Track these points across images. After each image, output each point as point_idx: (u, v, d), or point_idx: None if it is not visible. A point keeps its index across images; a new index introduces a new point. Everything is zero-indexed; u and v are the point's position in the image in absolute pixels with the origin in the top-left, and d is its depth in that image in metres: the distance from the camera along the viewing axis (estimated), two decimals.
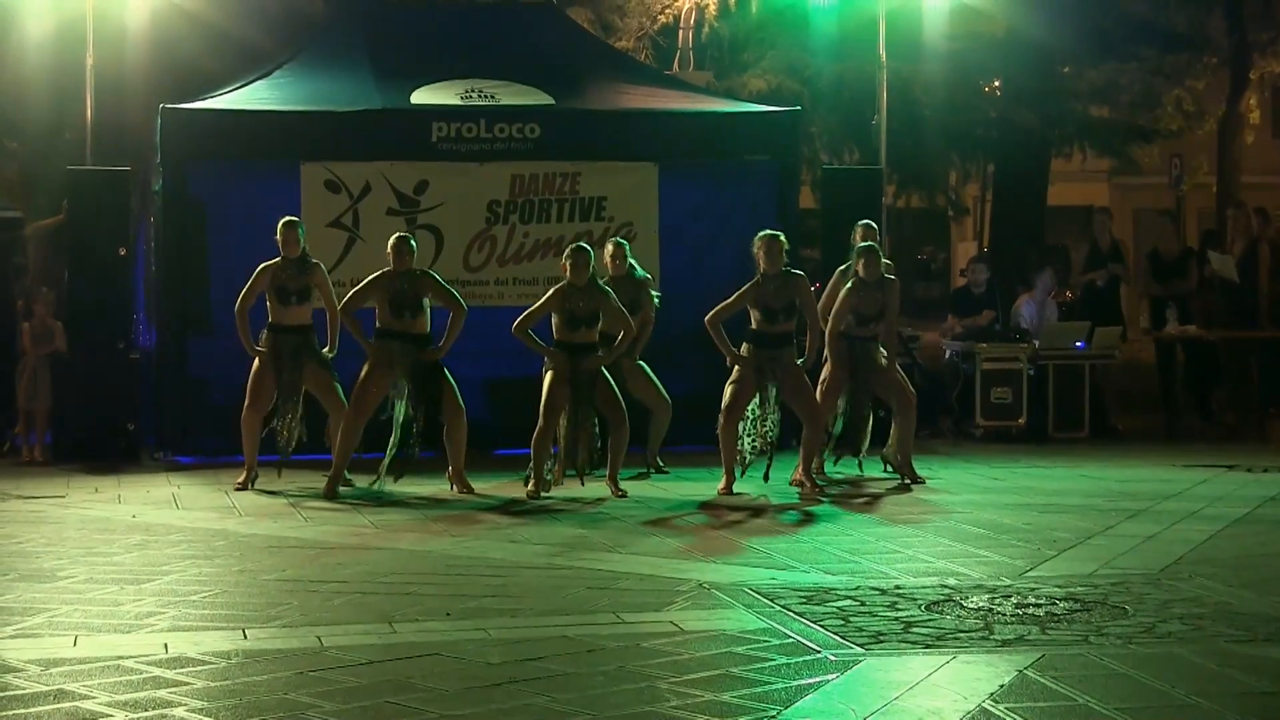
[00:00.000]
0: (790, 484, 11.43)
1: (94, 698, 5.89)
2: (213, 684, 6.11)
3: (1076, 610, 7.35)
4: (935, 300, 31.56)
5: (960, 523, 9.97)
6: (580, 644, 6.73)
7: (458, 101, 13.69)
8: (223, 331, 12.43)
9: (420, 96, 13.73)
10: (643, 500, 11.00)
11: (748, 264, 11.44)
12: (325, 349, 11.55)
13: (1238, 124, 25.08)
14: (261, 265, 11.52)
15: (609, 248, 11.87)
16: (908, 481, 11.67)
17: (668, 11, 19.57)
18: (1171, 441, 14.78)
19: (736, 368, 11.26)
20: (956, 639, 6.81)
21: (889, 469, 11.92)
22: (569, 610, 7.46)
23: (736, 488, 11.24)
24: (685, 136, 14.00)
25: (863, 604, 7.50)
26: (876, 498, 11.22)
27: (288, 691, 6.00)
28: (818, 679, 6.19)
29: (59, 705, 5.81)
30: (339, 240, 13.31)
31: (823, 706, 5.84)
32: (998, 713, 5.71)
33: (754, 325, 11.23)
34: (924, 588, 7.87)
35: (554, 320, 11.12)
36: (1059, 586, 7.89)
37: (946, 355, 15.62)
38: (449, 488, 11.32)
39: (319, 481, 11.35)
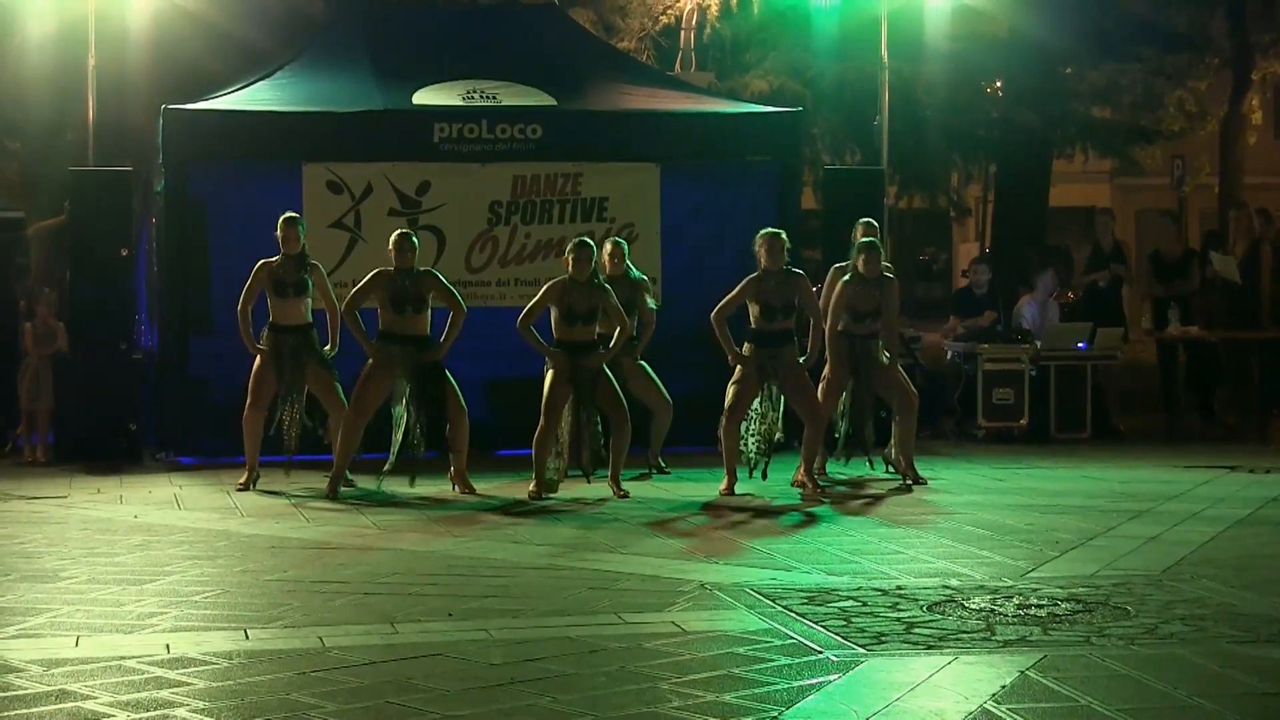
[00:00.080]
0: (792, 484, 11.43)
1: (96, 698, 5.89)
2: (214, 684, 6.12)
3: (1078, 611, 7.35)
4: (937, 301, 31.54)
5: (962, 523, 9.97)
6: (582, 644, 6.74)
7: (459, 102, 13.69)
8: (224, 332, 12.43)
9: (422, 97, 13.74)
10: (644, 501, 11.00)
11: (749, 264, 11.44)
12: (326, 347, 11.57)
13: (1240, 125, 25.09)
14: (260, 262, 11.53)
15: (607, 246, 11.88)
16: (909, 482, 11.67)
17: (669, 12, 19.56)
18: (1173, 442, 14.78)
19: (738, 367, 11.26)
20: (958, 640, 6.80)
21: (890, 470, 11.92)
22: (571, 611, 7.46)
23: (739, 488, 11.24)
24: (687, 137, 14.00)
25: (864, 605, 7.50)
26: (878, 498, 11.22)
27: (290, 692, 6.00)
28: (819, 680, 6.19)
29: (61, 705, 5.81)
30: (341, 241, 13.32)
31: (824, 707, 5.84)
32: (1000, 713, 5.71)
33: (754, 324, 11.24)
34: (926, 588, 7.87)
35: (553, 317, 11.12)
36: (1061, 587, 7.89)
37: (948, 356, 15.62)
38: (451, 488, 11.32)
39: (321, 482, 11.35)
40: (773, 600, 7.57)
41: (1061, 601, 7.54)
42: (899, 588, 7.89)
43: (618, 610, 7.44)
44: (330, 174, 13.38)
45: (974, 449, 14.11)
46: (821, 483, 11.53)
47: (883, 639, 6.82)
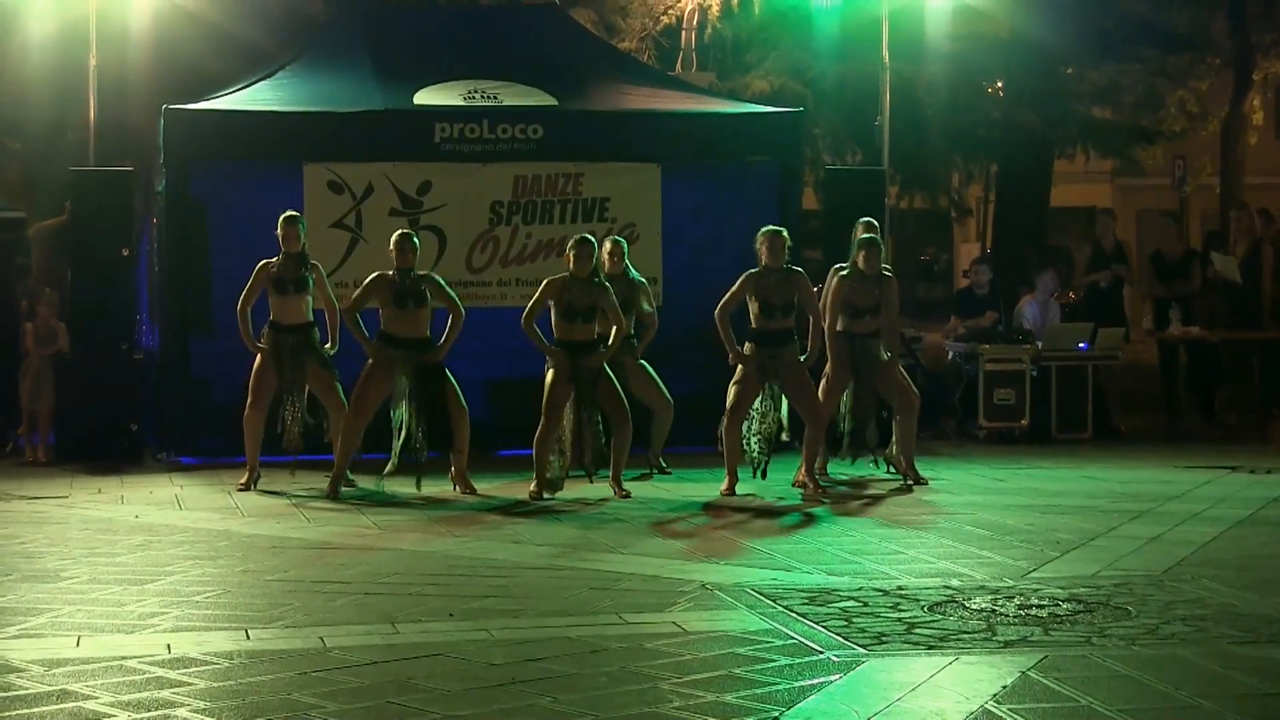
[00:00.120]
0: (793, 485, 11.43)
1: (97, 698, 5.89)
2: (215, 684, 6.12)
3: (1079, 611, 7.35)
4: (938, 301, 31.52)
5: (963, 524, 9.97)
6: (583, 645, 6.74)
7: (460, 102, 13.69)
8: (225, 332, 12.43)
9: (423, 97, 13.74)
10: (645, 501, 11.00)
11: (749, 264, 11.43)
12: (327, 345, 11.57)
13: (1241, 125, 25.09)
14: (262, 262, 11.55)
15: (607, 245, 11.87)
16: (910, 483, 11.67)
17: (670, 12, 19.56)
18: (1174, 443, 14.77)
19: (740, 367, 11.26)
20: (959, 640, 6.80)
21: (891, 470, 11.92)
22: (571, 611, 7.46)
23: (740, 488, 11.24)
24: (688, 137, 14.00)
25: (865, 605, 7.50)
26: (879, 499, 11.22)
27: (290, 692, 6.00)
28: (820, 680, 6.18)
29: (62, 705, 5.81)
30: (342, 241, 13.32)
31: (825, 707, 5.84)
32: (1000, 714, 5.71)
33: (754, 323, 11.23)
34: (927, 589, 7.87)
35: (552, 315, 11.12)
36: (1062, 588, 7.88)
37: (949, 356, 15.62)
38: (452, 488, 11.32)
39: (322, 482, 11.35)
40: (774, 600, 7.57)
41: (1062, 602, 7.54)
42: (900, 588, 7.89)
43: (619, 610, 7.44)
44: (331, 174, 13.38)
45: (975, 449, 14.11)
46: (823, 483, 11.53)
47: (884, 639, 6.82)
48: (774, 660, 6.47)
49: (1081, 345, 14.94)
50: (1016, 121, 21.12)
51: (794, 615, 7.25)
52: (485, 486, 11.45)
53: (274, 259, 11.54)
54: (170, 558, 8.86)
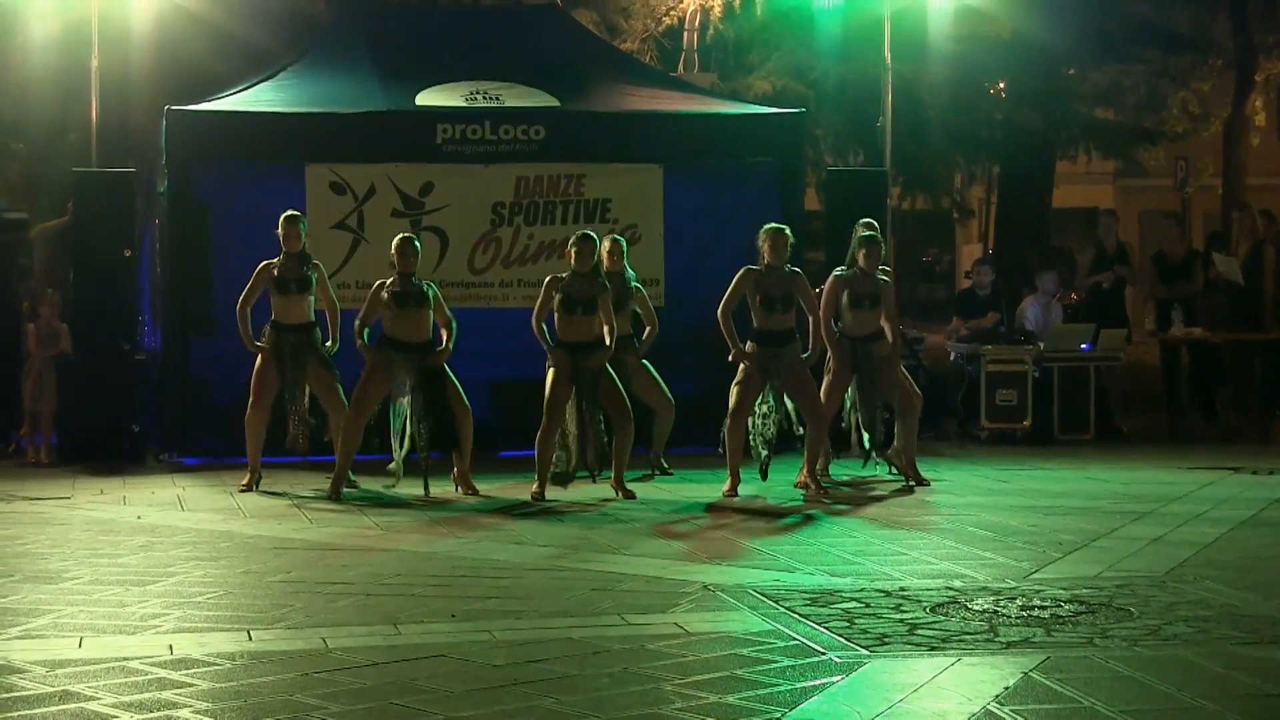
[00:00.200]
0: (795, 485, 11.42)
1: (99, 699, 5.89)
2: (218, 685, 6.12)
3: (1082, 612, 7.34)
4: (940, 302, 31.53)
5: (965, 525, 9.97)
6: (585, 646, 6.74)
7: (462, 103, 13.69)
8: (226, 333, 12.42)
9: (425, 98, 13.74)
10: (647, 502, 11.00)
11: (751, 265, 11.42)
12: (328, 344, 11.57)
13: (1243, 126, 25.09)
14: (263, 263, 11.55)
15: (606, 243, 11.85)
16: (912, 484, 11.67)
17: (672, 13, 19.56)
18: (1176, 444, 14.77)
19: (741, 368, 11.25)
20: (961, 641, 6.80)
21: (893, 471, 11.92)
22: (573, 612, 7.46)
23: (742, 489, 11.24)
24: (690, 138, 14.00)
25: (867, 606, 7.50)
26: (881, 500, 11.22)
27: (293, 693, 6.00)
28: (822, 681, 6.18)
29: (64, 706, 5.82)
30: (344, 242, 13.32)
31: (827, 709, 5.84)
32: (1003, 715, 5.71)
33: (756, 322, 11.23)
34: (929, 590, 7.87)
35: (555, 312, 11.12)
36: (1064, 589, 7.88)
37: (951, 357, 15.62)
38: (454, 489, 11.32)
39: (323, 483, 11.35)
40: (775, 601, 7.57)
41: (1065, 603, 7.54)
42: (902, 589, 7.89)
43: (621, 611, 7.43)
44: (333, 175, 13.38)
45: (977, 450, 14.11)
46: (824, 484, 11.53)
47: (886, 640, 6.81)
48: (776, 661, 6.47)
49: (1083, 346, 14.93)
50: (1018, 122, 21.13)
51: (796, 616, 7.25)
52: (487, 487, 11.45)
53: (275, 259, 11.55)
54: (172, 559, 8.86)
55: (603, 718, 5.70)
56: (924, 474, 11.83)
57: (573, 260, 11.11)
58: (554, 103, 13.86)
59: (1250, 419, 15.40)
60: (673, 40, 19.68)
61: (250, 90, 13.88)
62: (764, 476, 11.31)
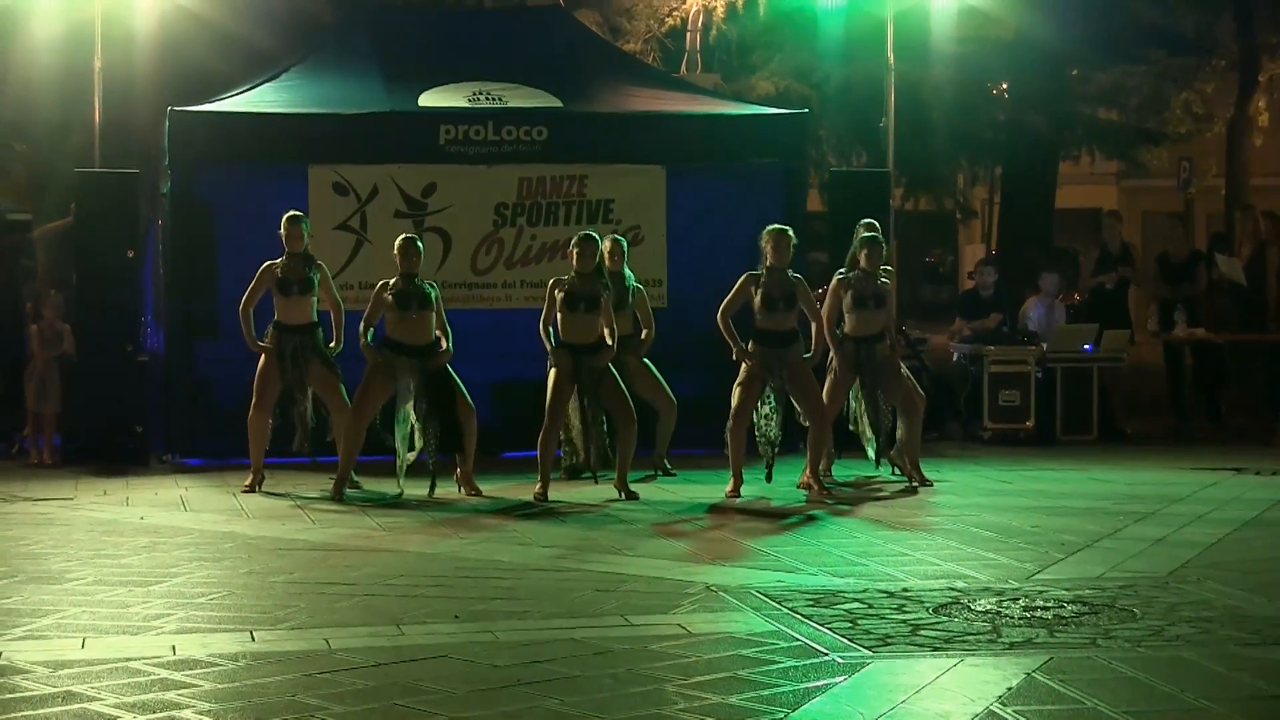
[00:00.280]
0: (798, 486, 11.42)
1: (102, 699, 5.90)
2: (221, 686, 6.12)
3: (1084, 613, 7.34)
4: (943, 303, 31.53)
5: (968, 525, 9.96)
6: (588, 646, 6.74)
7: (465, 104, 13.69)
8: (229, 334, 12.42)
9: (428, 99, 13.74)
10: (650, 503, 11.00)
11: (754, 266, 11.42)
12: (331, 344, 11.57)
13: (1246, 127, 25.03)
14: (266, 264, 11.55)
15: (607, 243, 11.85)
16: (915, 484, 11.67)
17: (675, 14, 19.56)
18: (1179, 444, 14.76)
19: (743, 368, 11.25)
20: (964, 642, 6.80)
21: (896, 471, 11.92)
22: (576, 613, 7.46)
23: (745, 490, 11.24)
24: (693, 139, 13.99)
25: (870, 606, 7.50)
26: (884, 500, 11.22)
27: (296, 694, 6.01)
28: (825, 681, 6.18)
29: (67, 707, 5.82)
30: (347, 243, 13.32)
31: (830, 709, 5.84)
32: (1006, 715, 5.71)
33: (758, 323, 11.22)
34: (931, 590, 7.87)
35: (558, 311, 11.12)
36: (1067, 589, 7.88)
37: (954, 358, 15.62)
38: (457, 490, 11.33)
39: (326, 484, 11.36)
40: (778, 602, 7.57)
41: (1068, 604, 7.54)
42: (905, 590, 7.89)
43: (623, 612, 7.43)
44: (336, 176, 13.39)
45: (980, 451, 14.11)
46: (827, 485, 11.53)
47: (888, 641, 6.81)
48: (779, 662, 6.47)
49: (1086, 347, 14.93)
50: (1022, 123, 21.12)
51: (799, 617, 7.25)
52: (490, 488, 11.45)
53: (278, 260, 11.54)
54: (175, 559, 8.86)
55: (606, 718, 5.71)
56: (927, 474, 11.83)
57: (574, 261, 11.12)
58: (557, 104, 13.86)
59: (1254, 420, 15.38)
60: (675, 41, 19.68)
61: (253, 91, 13.88)
62: (769, 478, 11.30)
